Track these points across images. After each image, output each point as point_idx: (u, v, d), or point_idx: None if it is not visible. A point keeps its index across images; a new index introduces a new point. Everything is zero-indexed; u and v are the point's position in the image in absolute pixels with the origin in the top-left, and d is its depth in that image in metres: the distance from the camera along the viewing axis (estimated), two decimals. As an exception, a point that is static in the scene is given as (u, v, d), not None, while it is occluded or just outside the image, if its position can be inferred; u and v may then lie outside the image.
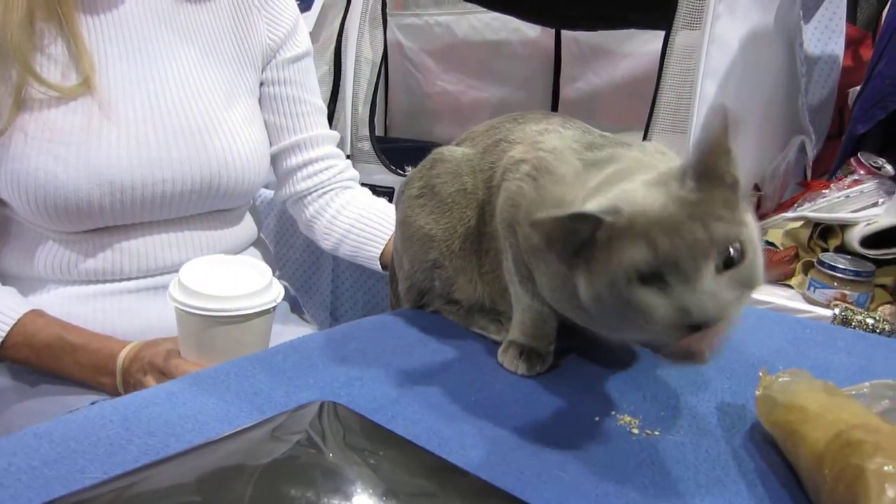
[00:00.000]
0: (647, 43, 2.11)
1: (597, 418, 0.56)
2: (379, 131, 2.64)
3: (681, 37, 1.27)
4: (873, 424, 0.43)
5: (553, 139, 0.63)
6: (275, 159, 1.09)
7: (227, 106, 0.97)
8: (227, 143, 0.95)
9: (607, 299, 0.48)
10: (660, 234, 0.45)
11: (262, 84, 1.06)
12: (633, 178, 0.51)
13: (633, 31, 2.12)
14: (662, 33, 1.31)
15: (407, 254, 0.76)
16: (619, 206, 0.48)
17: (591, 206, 0.50)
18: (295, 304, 1.21)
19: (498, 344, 0.68)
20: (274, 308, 0.80)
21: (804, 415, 0.48)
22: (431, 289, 0.76)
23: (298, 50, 1.07)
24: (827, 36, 1.57)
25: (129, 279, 0.93)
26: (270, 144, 1.07)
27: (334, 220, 1.10)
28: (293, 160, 1.09)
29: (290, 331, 1.08)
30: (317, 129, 1.10)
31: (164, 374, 0.80)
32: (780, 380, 0.54)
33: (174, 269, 0.91)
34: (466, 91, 2.60)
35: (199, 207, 0.96)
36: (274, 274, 1.17)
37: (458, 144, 0.74)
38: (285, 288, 1.21)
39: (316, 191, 1.11)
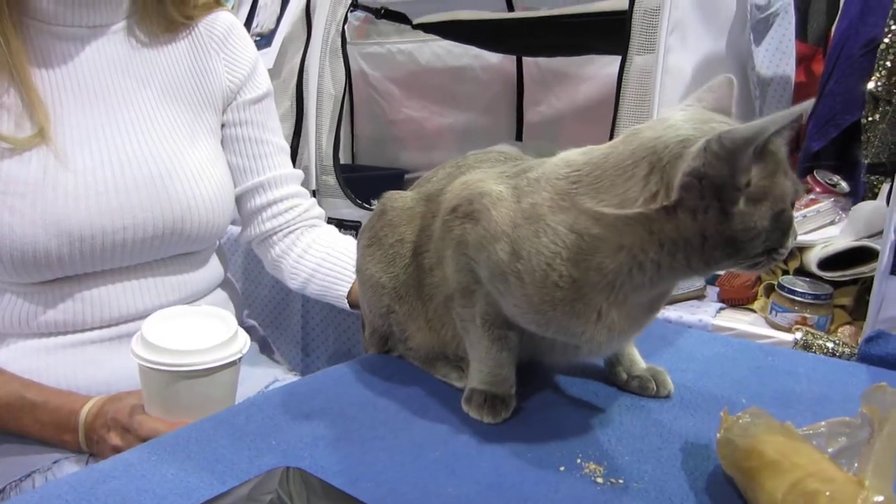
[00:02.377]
0: (606, 66, 2.15)
1: (562, 468, 0.56)
2: (346, 159, 2.65)
3: (636, 62, 1.29)
4: (828, 473, 0.44)
5: (478, 174, 0.65)
6: (239, 200, 1.09)
7: (189, 148, 0.96)
8: (191, 187, 0.94)
9: (760, 226, 0.52)
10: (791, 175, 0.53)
11: (223, 126, 1.05)
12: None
13: (592, 55, 2.16)
14: (620, 57, 1.33)
15: (365, 300, 0.77)
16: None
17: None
18: (264, 345, 1.20)
19: (460, 391, 0.68)
20: (240, 359, 0.79)
21: (762, 460, 0.49)
22: (391, 334, 0.77)
23: (259, 91, 1.07)
24: (778, 57, 1.61)
25: (91, 329, 0.91)
26: (234, 186, 1.07)
27: (300, 259, 1.09)
28: (257, 201, 1.08)
29: (259, 372, 1.07)
30: (280, 168, 1.10)
31: (127, 431, 0.78)
32: (740, 421, 0.55)
33: (139, 317, 0.89)
34: (431, 117, 2.62)
35: (163, 252, 0.95)
36: (242, 313, 1.17)
37: (413, 188, 0.76)
38: (254, 328, 1.21)
39: (281, 230, 1.10)
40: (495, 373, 0.65)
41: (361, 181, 2.21)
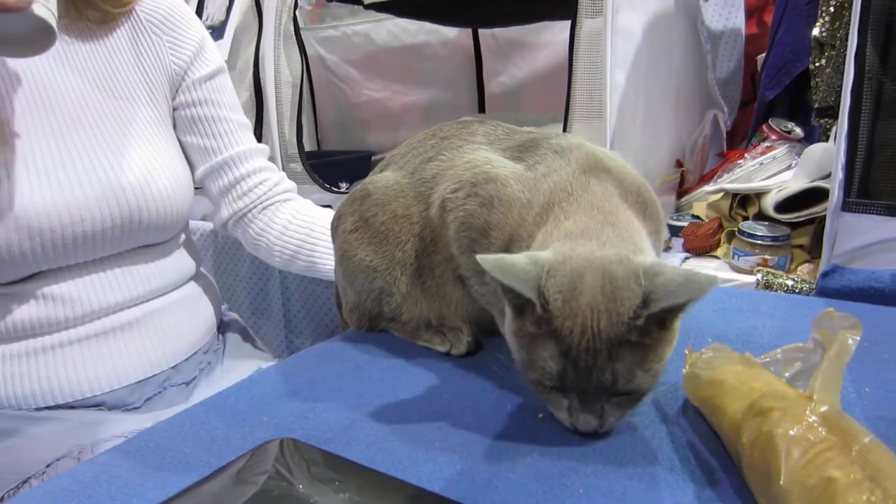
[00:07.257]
0: (561, 32, 2.16)
1: (541, 415, 0.59)
2: (311, 146, 2.64)
3: (586, 26, 1.30)
4: (780, 392, 0.48)
5: (477, 152, 0.67)
6: (205, 182, 1.07)
7: (138, 140, 0.95)
8: (142, 178, 0.93)
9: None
10: None
11: (176, 109, 1.04)
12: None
13: (546, 22, 2.17)
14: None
15: (352, 287, 0.78)
16: None
17: None
18: (246, 336, 1.21)
19: (444, 354, 0.71)
20: None
21: (723, 388, 0.52)
22: (380, 314, 0.79)
23: (209, 68, 1.05)
24: (727, 11, 1.64)
25: (66, 328, 0.91)
26: (197, 167, 1.05)
27: (283, 236, 1.08)
28: (225, 179, 1.07)
29: (242, 364, 1.09)
30: (243, 144, 1.08)
31: None
32: (703, 356, 0.59)
33: (111, 312, 0.91)
34: (393, 97, 2.62)
35: (125, 245, 0.95)
36: (221, 307, 1.18)
37: (382, 170, 0.77)
38: (234, 321, 1.22)
39: (255, 206, 1.08)
40: None
41: (329, 166, 2.20)
